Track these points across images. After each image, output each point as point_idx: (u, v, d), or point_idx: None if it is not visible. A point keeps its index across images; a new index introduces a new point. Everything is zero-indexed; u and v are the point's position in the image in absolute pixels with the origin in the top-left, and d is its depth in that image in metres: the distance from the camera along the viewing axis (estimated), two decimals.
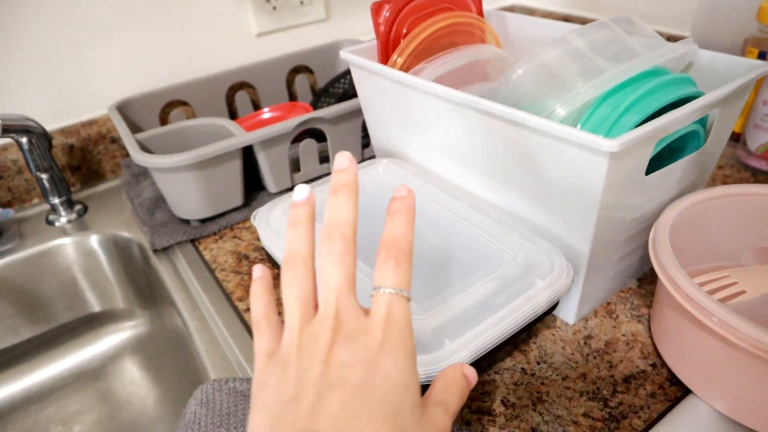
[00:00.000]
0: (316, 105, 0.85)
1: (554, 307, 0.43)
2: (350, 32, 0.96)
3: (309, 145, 0.70)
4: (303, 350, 0.28)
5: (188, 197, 0.65)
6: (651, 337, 0.47)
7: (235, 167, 0.65)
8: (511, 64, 0.65)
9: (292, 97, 0.91)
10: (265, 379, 0.29)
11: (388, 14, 0.59)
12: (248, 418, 0.28)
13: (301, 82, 0.91)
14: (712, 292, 0.39)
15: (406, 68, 0.60)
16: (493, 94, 0.49)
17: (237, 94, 0.86)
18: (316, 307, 0.30)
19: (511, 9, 1.15)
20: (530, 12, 1.12)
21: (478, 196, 0.52)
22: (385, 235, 0.30)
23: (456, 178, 0.54)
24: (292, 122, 0.65)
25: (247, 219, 0.68)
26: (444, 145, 0.53)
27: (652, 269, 0.54)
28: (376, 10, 0.59)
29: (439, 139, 0.54)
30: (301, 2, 0.89)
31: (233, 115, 0.87)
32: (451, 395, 0.30)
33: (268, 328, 0.31)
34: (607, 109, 0.44)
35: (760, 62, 0.48)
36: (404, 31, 0.61)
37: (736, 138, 0.73)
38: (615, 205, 0.42)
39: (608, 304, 0.51)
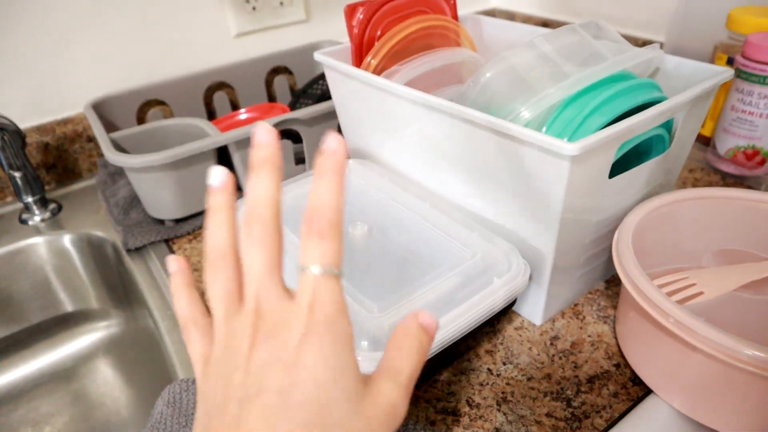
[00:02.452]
0: (294, 106, 0.85)
1: (512, 304, 0.44)
2: (330, 33, 0.97)
3: (284, 146, 0.70)
4: (227, 353, 0.26)
5: (162, 197, 0.65)
6: (616, 338, 0.48)
7: (210, 167, 0.65)
8: (482, 63, 0.66)
9: (271, 98, 0.91)
10: (201, 390, 0.27)
11: (362, 16, 0.60)
12: None
13: (280, 83, 0.91)
14: (671, 294, 0.40)
15: (380, 70, 0.61)
16: (462, 96, 0.50)
17: (215, 95, 0.86)
18: (241, 298, 0.27)
19: (492, 12, 1.16)
20: (510, 16, 1.13)
21: (444, 197, 0.52)
22: (309, 203, 0.26)
23: (424, 179, 0.55)
24: (267, 123, 0.65)
25: None
26: (413, 147, 0.54)
27: None
28: (350, 13, 0.60)
29: (408, 140, 0.54)
30: (281, 3, 0.90)
31: (211, 115, 0.86)
32: (403, 358, 0.27)
33: (197, 331, 0.29)
34: (571, 113, 0.45)
35: (723, 68, 0.49)
36: (378, 33, 0.62)
37: (707, 142, 0.74)
38: (578, 207, 0.42)
39: (575, 305, 0.52)
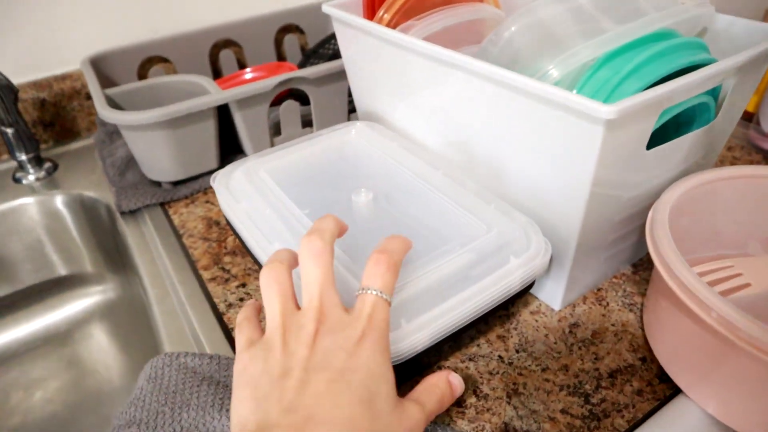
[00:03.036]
0: (304, 66, 0.80)
1: (530, 287, 0.40)
2: None
3: (290, 107, 0.66)
4: (289, 335, 0.30)
5: (159, 158, 0.61)
6: (642, 329, 0.43)
7: (209, 127, 0.61)
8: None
9: (281, 57, 0.86)
10: (248, 361, 0.30)
11: None
12: (231, 397, 0.30)
13: (291, 42, 0.86)
14: (712, 284, 0.35)
15: (393, 25, 0.55)
16: (483, 52, 0.45)
17: (222, 53, 0.81)
18: (296, 306, 0.31)
19: None
20: None
21: (460, 164, 0.48)
22: (380, 245, 0.32)
23: (439, 144, 0.50)
24: (271, 81, 0.61)
25: None
26: (429, 109, 0.49)
27: (649, 255, 0.50)
28: None
29: (424, 102, 0.49)
30: None
31: (217, 74, 0.82)
32: (428, 397, 0.32)
33: (249, 326, 0.32)
34: (607, 73, 0.39)
35: None
36: None
37: (749, 118, 0.68)
38: (610, 181, 0.37)
39: (599, 290, 0.47)
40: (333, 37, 0.80)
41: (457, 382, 0.34)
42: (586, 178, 0.36)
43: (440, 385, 0.33)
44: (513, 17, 0.43)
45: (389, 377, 0.29)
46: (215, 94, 0.59)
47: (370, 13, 0.56)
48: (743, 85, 0.44)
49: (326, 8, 0.55)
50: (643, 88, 0.38)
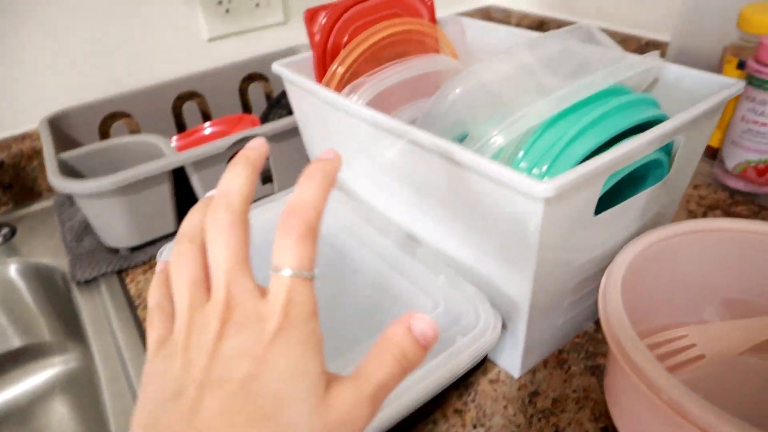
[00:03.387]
0: (267, 117, 0.79)
1: (482, 361, 0.38)
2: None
3: None
4: (191, 339, 0.25)
5: (114, 224, 0.59)
6: (604, 394, 0.42)
7: (165, 191, 0.60)
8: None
9: (246, 106, 0.85)
10: (152, 371, 0.26)
11: (324, 21, 0.54)
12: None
13: (256, 90, 0.85)
14: (665, 357, 0.33)
15: (347, 80, 0.55)
16: (428, 114, 0.44)
17: (185, 105, 0.80)
18: (209, 290, 0.26)
19: (487, 11, 1.09)
20: (506, 14, 1.07)
21: (409, 230, 0.46)
22: (290, 201, 0.25)
23: (388, 209, 0.49)
24: (225, 141, 0.60)
25: None
26: (375, 173, 0.47)
27: None
28: (310, 17, 0.54)
29: (372, 165, 0.48)
30: (257, 4, 0.84)
31: (181, 126, 0.81)
32: (377, 364, 0.25)
33: (161, 316, 0.28)
34: (552, 137, 0.39)
35: (732, 80, 0.43)
36: (345, 39, 0.56)
37: (713, 154, 0.67)
38: (558, 249, 0.36)
39: (560, 352, 0.46)
40: None
41: (425, 327, 0.26)
42: (531, 249, 0.35)
43: (397, 340, 0.26)
44: (458, 77, 0.43)
45: (311, 371, 0.24)
46: (169, 157, 0.58)
47: (322, 68, 0.56)
48: (696, 138, 0.43)
49: (276, 68, 0.54)
50: (591, 150, 0.37)
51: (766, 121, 0.58)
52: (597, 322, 0.48)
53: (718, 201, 0.63)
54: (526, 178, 0.31)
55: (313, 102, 0.52)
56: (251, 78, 0.84)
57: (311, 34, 0.54)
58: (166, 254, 0.46)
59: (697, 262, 0.41)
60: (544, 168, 0.37)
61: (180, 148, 0.74)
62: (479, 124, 0.40)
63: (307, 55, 0.56)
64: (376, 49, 0.55)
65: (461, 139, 0.43)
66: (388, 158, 0.44)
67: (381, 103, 0.54)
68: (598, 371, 0.44)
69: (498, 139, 0.38)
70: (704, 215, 0.61)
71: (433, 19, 0.60)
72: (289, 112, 0.77)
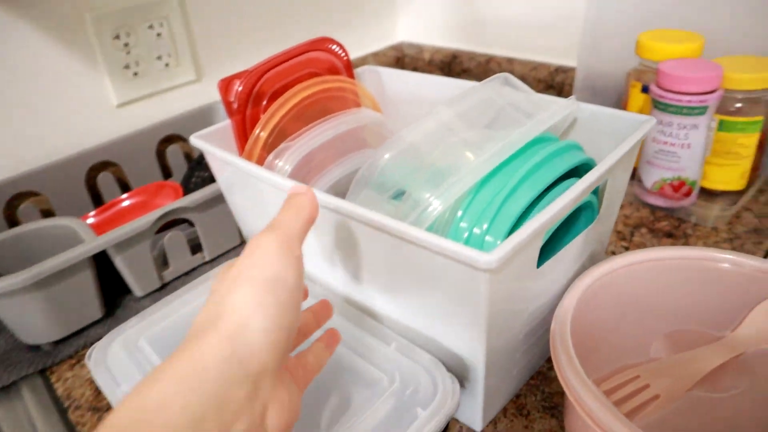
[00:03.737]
0: (189, 179, 0.76)
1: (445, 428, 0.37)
2: None
3: (175, 238, 0.61)
4: None
5: (32, 320, 0.54)
6: None
7: (86, 277, 0.56)
8: (389, 128, 0.60)
9: (165, 170, 0.82)
10: None
11: (241, 89, 0.52)
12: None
13: (174, 152, 0.82)
14: (623, 401, 0.34)
15: (271, 143, 0.53)
16: (361, 180, 0.43)
17: (100, 176, 0.75)
18: None
19: (399, 47, 1.11)
20: (418, 49, 1.09)
21: (353, 300, 0.45)
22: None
23: (328, 279, 0.47)
24: (148, 219, 0.57)
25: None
26: (312, 241, 0.46)
27: None
28: (225, 87, 0.52)
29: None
30: (166, 64, 0.81)
31: (97, 200, 0.76)
32: (283, 216, 0.31)
33: None
34: (488, 194, 0.39)
35: (643, 117, 0.45)
36: (263, 104, 0.54)
37: (632, 174, 0.71)
38: (507, 305, 0.36)
39: (517, 397, 0.46)
40: None
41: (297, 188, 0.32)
42: (480, 311, 0.34)
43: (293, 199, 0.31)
44: (387, 143, 0.42)
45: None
46: (88, 242, 0.54)
47: (242, 135, 0.54)
48: (621, 175, 0.45)
49: (194, 141, 0.52)
50: (527, 204, 0.38)
51: (674, 141, 0.62)
52: (549, 360, 0.48)
53: (642, 218, 0.66)
54: (470, 251, 0.31)
55: (236, 172, 0.50)
56: (168, 140, 0.81)
57: (228, 104, 0.52)
58: (95, 356, 0.43)
59: (636, 296, 0.42)
60: (485, 227, 0.37)
61: (98, 226, 0.70)
62: (416, 187, 0.40)
63: (221, 125, 0.54)
64: (297, 110, 0.55)
65: (396, 196, 0.43)
66: (323, 229, 0.43)
67: (308, 165, 0.53)
68: (556, 411, 0.44)
69: (437, 206, 0.38)
70: (632, 234, 0.64)
71: (350, 73, 0.60)
72: (211, 175, 0.75)
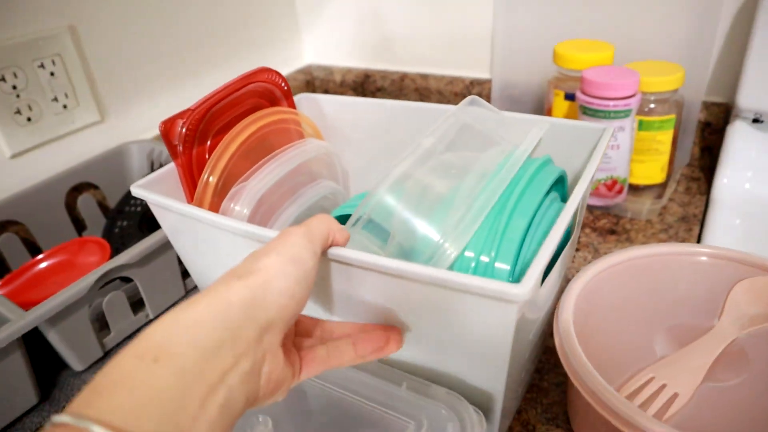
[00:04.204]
0: (111, 231, 0.69)
1: None
2: (134, 131, 0.81)
3: (115, 299, 0.55)
4: None
5: None
6: None
7: (16, 362, 0.48)
8: (336, 155, 0.58)
9: (78, 223, 0.73)
10: None
11: (185, 130, 0.48)
12: None
13: (86, 202, 0.74)
14: (645, 405, 0.35)
15: (221, 189, 0.49)
16: (350, 223, 0.41)
17: (1, 238, 0.66)
18: None
19: (308, 69, 1.09)
20: (328, 71, 1.07)
21: None
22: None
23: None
24: (85, 281, 0.50)
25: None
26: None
27: (546, 353, 0.50)
28: (167, 129, 0.47)
29: None
30: (64, 106, 0.73)
31: (2, 267, 0.66)
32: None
33: None
34: (487, 223, 0.38)
35: (598, 126, 0.47)
36: (208, 143, 0.50)
37: None
38: (524, 330, 0.36)
39: (519, 413, 0.46)
40: None
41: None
42: (505, 345, 0.33)
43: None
44: (382, 182, 0.40)
45: None
46: (16, 320, 0.47)
47: (189, 180, 0.50)
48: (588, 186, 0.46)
49: (136, 191, 0.46)
50: (527, 225, 0.38)
51: None
52: (538, 370, 0.49)
53: (585, 219, 0.69)
54: (501, 284, 0.29)
55: (189, 221, 0.45)
56: (78, 189, 0.73)
57: (171, 147, 0.48)
58: None
59: (626, 297, 0.44)
60: (492, 254, 0.36)
61: (11, 297, 0.60)
62: (414, 228, 0.38)
63: (161, 172, 0.49)
64: (244, 149, 0.51)
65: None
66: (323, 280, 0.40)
67: (263, 206, 0.50)
68: (559, 421, 0.44)
69: (451, 251, 0.36)
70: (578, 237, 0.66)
71: (291, 102, 0.58)
72: (138, 221, 0.68)
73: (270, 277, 0.28)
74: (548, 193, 0.42)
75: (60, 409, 0.50)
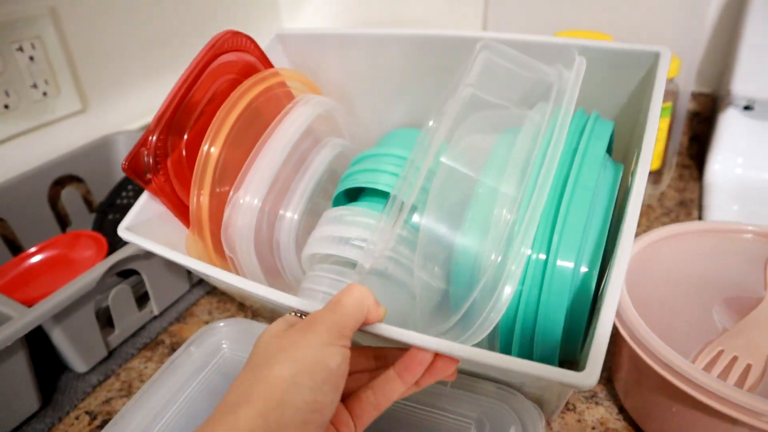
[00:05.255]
0: (101, 224, 0.64)
1: None
2: (118, 121, 0.77)
3: (122, 294, 0.51)
4: None
5: None
6: (623, 418, 0.42)
7: (19, 364, 0.44)
8: (332, 105, 0.53)
9: (62, 219, 0.68)
10: None
11: (152, 159, 0.45)
12: None
13: (71, 196, 0.69)
14: (722, 377, 0.34)
15: (220, 196, 0.46)
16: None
17: None
18: None
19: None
20: None
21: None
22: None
23: None
24: (92, 274, 0.46)
25: (54, 426, 0.46)
26: None
27: None
28: (133, 167, 0.45)
29: None
30: (44, 93, 0.68)
31: None
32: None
33: None
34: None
35: (650, 49, 0.42)
36: (185, 137, 0.47)
37: None
38: None
39: None
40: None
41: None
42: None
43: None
44: (430, 204, 0.36)
45: None
46: (19, 317, 0.42)
47: (173, 198, 0.47)
48: None
49: (124, 235, 0.44)
50: (590, 202, 0.35)
51: None
52: None
53: None
54: (569, 375, 0.28)
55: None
56: (60, 182, 0.68)
57: (144, 181, 0.45)
58: None
59: (676, 269, 0.44)
60: (553, 250, 0.33)
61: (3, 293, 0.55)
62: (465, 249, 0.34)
63: (146, 197, 0.47)
64: (232, 140, 0.46)
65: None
66: None
67: (273, 189, 0.47)
68: (599, 400, 0.44)
69: (515, 267, 0.31)
70: None
71: (266, 62, 0.53)
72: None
73: (282, 394, 0.24)
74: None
75: (63, 415, 0.46)
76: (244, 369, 0.27)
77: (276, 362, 0.26)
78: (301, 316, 0.31)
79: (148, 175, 0.45)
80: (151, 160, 0.45)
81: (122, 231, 0.44)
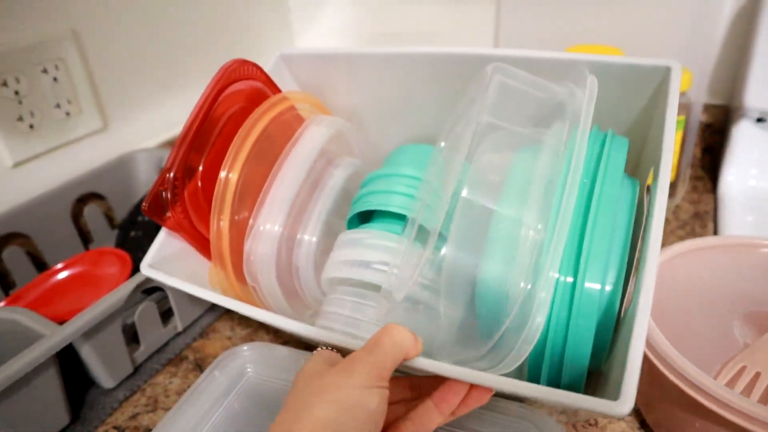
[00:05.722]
0: (124, 241, 0.66)
1: None
2: (136, 138, 0.78)
3: (148, 311, 0.52)
4: None
5: None
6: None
7: (51, 380, 0.45)
8: (343, 125, 0.54)
9: (84, 236, 0.70)
10: None
11: (170, 195, 0.46)
12: None
13: (93, 213, 0.70)
14: (746, 393, 0.35)
15: (239, 224, 0.47)
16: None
17: (5, 252, 0.62)
18: None
19: None
20: None
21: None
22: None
23: None
24: (121, 292, 0.47)
25: None
26: None
27: None
28: (152, 208, 0.45)
29: None
30: (67, 113, 0.69)
31: (6, 284, 0.62)
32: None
33: None
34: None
35: (659, 63, 0.42)
36: (200, 168, 0.48)
37: None
38: None
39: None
40: None
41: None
42: None
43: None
44: (455, 226, 0.37)
45: None
46: (51, 335, 0.44)
47: (192, 231, 0.48)
48: None
49: (147, 272, 0.46)
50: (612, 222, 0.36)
51: None
52: None
53: None
54: (603, 404, 0.28)
55: None
56: (82, 200, 0.69)
57: (163, 220, 0.46)
58: None
59: (694, 285, 0.44)
60: (580, 271, 0.34)
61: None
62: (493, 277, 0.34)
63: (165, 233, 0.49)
64: (246, 173, 0.47)
65: None
66: None
67: (291, 214, 0.48)
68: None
69: (542, 295, 0.31)
70: None
71: (273, 87, 0.54)
72: (149, 233, 0.65)
73: None
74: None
75: (92, 430, 0.47)
76: (284, 409, 0.27)
77: (317, 403, 0.26)
78: (331, 350, 0.31)
79: (168, 214, 0.46)
80: (169, 195, 0.46)
81: (145, 269, 0.45)
